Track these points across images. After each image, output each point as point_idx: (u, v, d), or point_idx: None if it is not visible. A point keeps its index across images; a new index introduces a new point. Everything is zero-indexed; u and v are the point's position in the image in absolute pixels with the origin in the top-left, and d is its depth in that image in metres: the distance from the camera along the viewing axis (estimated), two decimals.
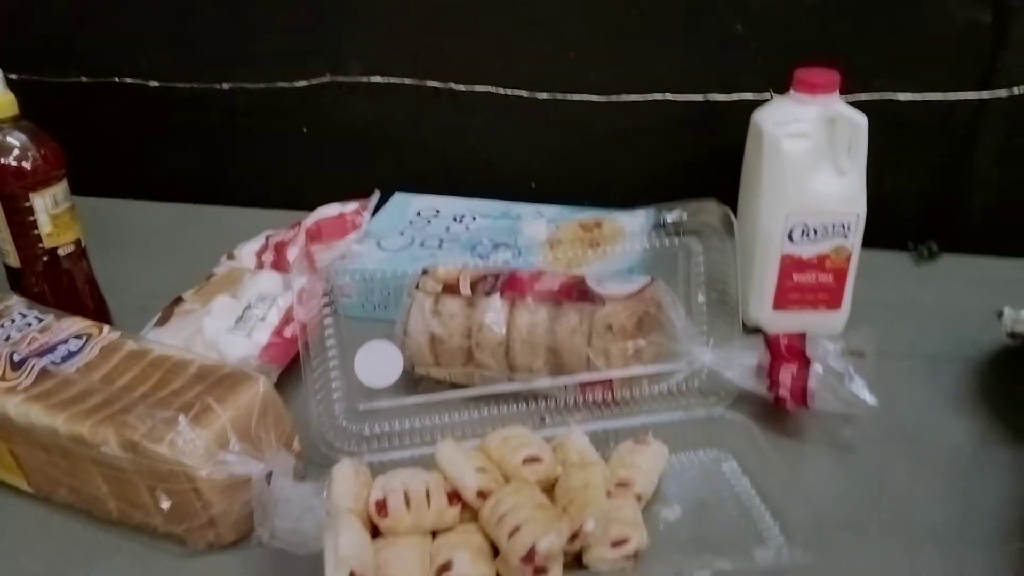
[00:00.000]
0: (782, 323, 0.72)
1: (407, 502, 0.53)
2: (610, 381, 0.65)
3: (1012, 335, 0.67)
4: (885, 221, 0.88)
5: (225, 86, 0.95)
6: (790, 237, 0.70)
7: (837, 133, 0.69)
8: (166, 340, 0.65)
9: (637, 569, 0.52)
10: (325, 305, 0.64)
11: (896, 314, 0.77)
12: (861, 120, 0.68)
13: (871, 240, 0.88)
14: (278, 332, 0.69)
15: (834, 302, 0.73)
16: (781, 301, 0.73)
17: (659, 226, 0.67)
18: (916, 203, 0.87)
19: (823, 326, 0.73)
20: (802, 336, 0.64)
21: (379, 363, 0.62)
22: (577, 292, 0.66)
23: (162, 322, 0.71)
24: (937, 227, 0.87)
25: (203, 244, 0.84)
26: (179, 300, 0.74)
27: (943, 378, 0.69)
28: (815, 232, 0.70)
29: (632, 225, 0.77)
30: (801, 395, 0.62)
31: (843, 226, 0.70)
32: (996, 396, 0.67)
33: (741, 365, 0.65)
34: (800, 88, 0.69)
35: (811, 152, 0.68)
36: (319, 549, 0.49)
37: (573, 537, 0.52)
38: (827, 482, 0.61)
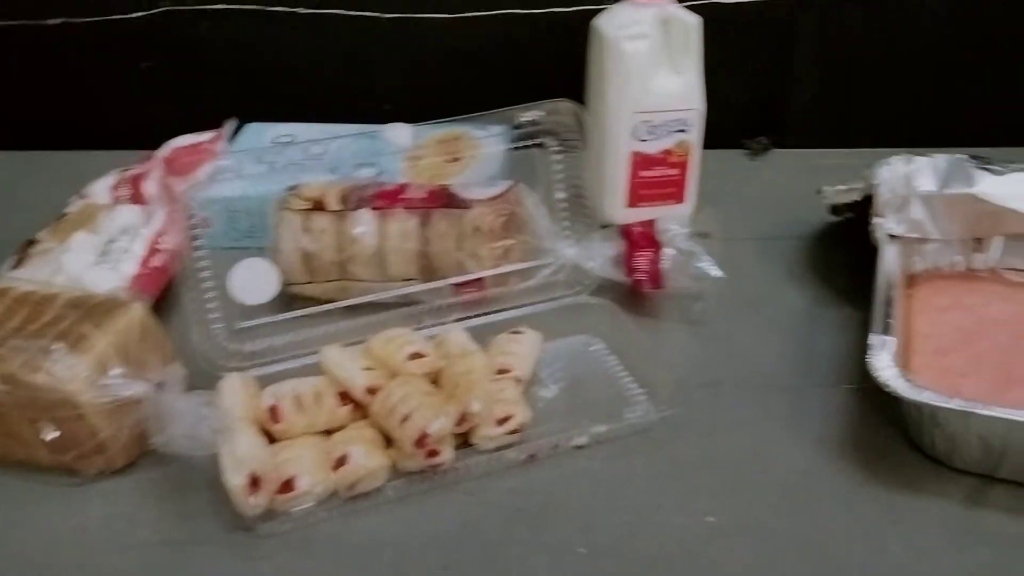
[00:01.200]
0: (636, 219, 0.77)
1: (299, 406, 0.55)
2: (482, 280, 0.68)
3: (834, 209, 0.74)
4: (720, 121, 0.95)
5: (54, 21, 0.90)
6: (636, 135, 0.75)
7: (672, 34, 0.73)
8: None
9: (522, 442, 0.57)
10: (191, 232, 0.64)
11: (735, 203, 0.84)
12: (693, 20, 0.73)
13: (709, 140, 0.95)
14: (145, 263, 0.68)
15: (680, 195, 0.79)
16: (634, 198, 0.78)
17: (515, 129, 0.70)
18: (747, 102, 0.94)
19: (673, 219, 0.79)
20: (653, 223, 0.69)
21: (254, 280, 0.63)
22: (444, 199, 0.69)
23: (18, 264, 0.69)
24: (767, 123, 0.94)
25: (52, 188, 0.81)
26: (32, 242, 0.71)
27: (779, 254, 0.77)
28: (658, 129, 0.75)
29: (489, 135, 0.80)
30: (656, 277, 0.68)
31: (683, 121, 0.75)
32: (823, 265, 0.75)
33: (601, 256, 0.69)
34: None
35: (650, 53, 0.73)
36: (216, 451, 0.51)
37: (461, 420, 0.55)
38: (684, 351, 0.67)
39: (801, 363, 0.64)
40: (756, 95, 0.94)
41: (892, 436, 0.57)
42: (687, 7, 0.83)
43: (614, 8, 0.75)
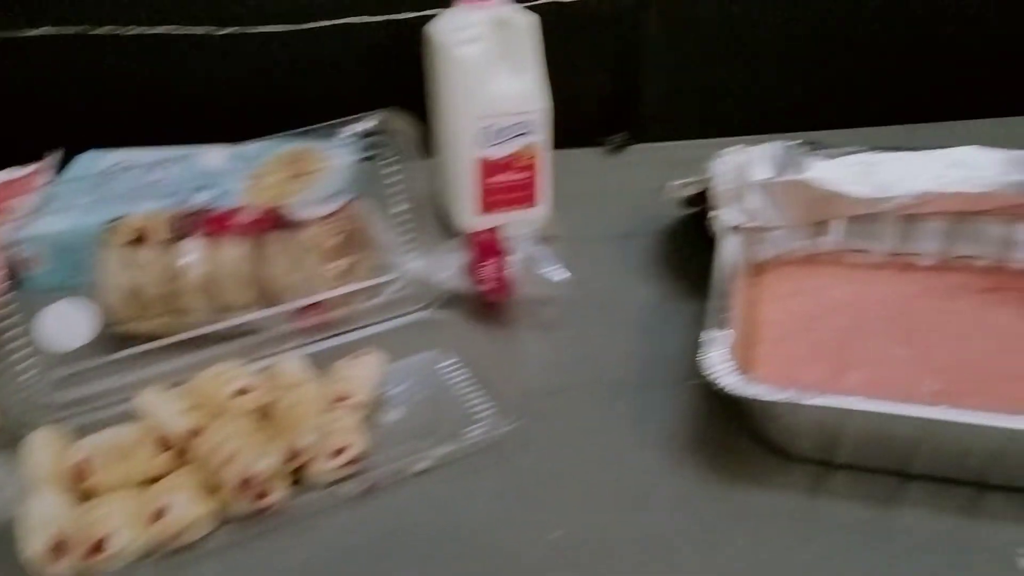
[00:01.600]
0: (489, 226, 0.75)
1: (114, 457, 0.51)
2: (323, 303, 0.65)
3: (686, 202, 0.74)
4: (575, 120, 0.94)
5: None
6: (480, 141, 0.73)
7: (508, 35, 0.72)
8: None
9: (361, 472, 0.54)
10: (5, 278, 0.60)
11: (590, 203, 0.83)
12: (528, 20, 0.72)
13: (565, 140, 0.93)
14: None
15: (532, 199, 0.78)
16: (485, 205, 0.76)
17: (355, 143, 0.68)
18: (603, 98, 0.94)
19: (528, 223, 0.78)
20: (495, 231, 0.68)
21: (68, 323, 0.59)
22: (277, 220, 0.66)
23: None
24: (624, 119, 0.94)
25: None
26: None
27: (632, 253, 0.76)
28: (503, 133, 0.74)
29: (334, 150, 0.77)
30: (503, 285, 0.66)
31: (528, 124, 0.74)
32: (676, 260, 0.74)
33: (449, 267, 0.67)
34: None
35: (486, 56, 0.71)
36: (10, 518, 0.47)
37: (292, 456, 0.52)
38: (535, 359, 0.65)
39: (650, 362, 0.63)
40: (611, 91, 0.93)
41: (736, 430, 0.56)
42: (527, 6, 0.82)
43: (445, 13, 0.73)
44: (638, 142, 0.93)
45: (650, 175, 0.86)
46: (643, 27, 0.90)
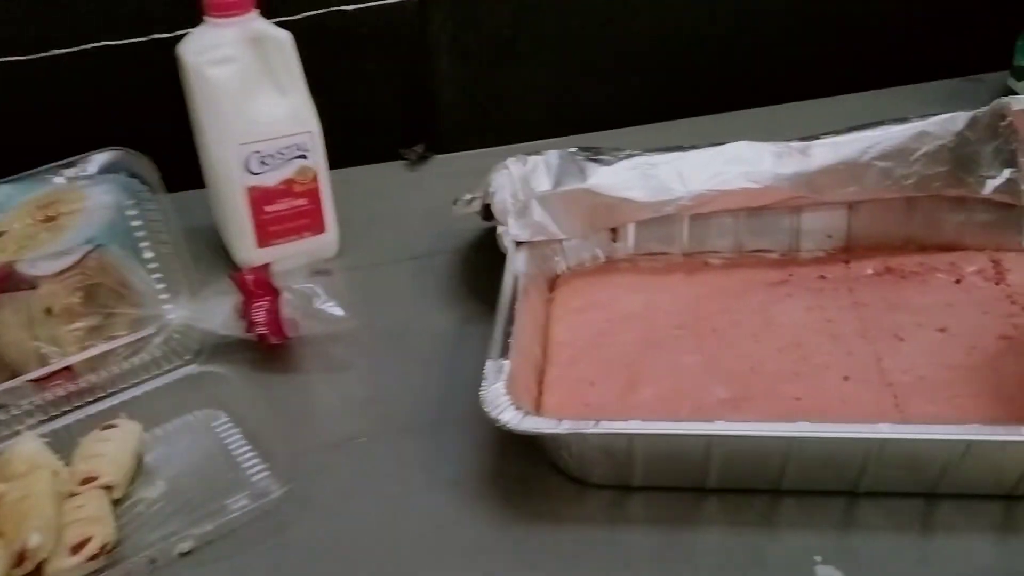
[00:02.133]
0: (272, 258, 0.69)
1: None
2: (69, 369, 0.57)
3: (484, 215, 0.70)
4: (373, 134, 0.89)
5: None
6: (248, 168, 0.67)
7: (267, 53, 0.66)
8: None
9: (110, 565, 0.47)
10: None
11: (389, 222, 0.79)
12: (284, 36, 0.66)
13: (365, 155, 0.88)
14: None
15: (318, 225, 0.72)
16: (264, 237, 0.70)
17: (106, 182, 0.60)
18: (398, 112, 0.89)
19: (317, 251, 0.72)
20: (266, 268, 0.62)
21: None
22: (7, 280, 0.57)
23: None
24: (421, 129, 0.90)
25: None
26: None
27: (432, 273, 0.71)
28: (272, 158, 0.68)
29: (88, 190, 0.69)
30: (279, 328, 0.61)
31: (299, 147, 0.68)
32: (476, 278, 0.70)
33: (218, 313, 0.61)
34: (213, 12, 0.64)
35: (242, 76, 0.65)
36: None
37: (21, 559, 0.45)
38: (320, 407, 0.60)
39: (446, 396, 0.59)
40: (406, 101, 0.89)
41: (535, 461, 0.53)
42: (305, 19, 0.77)
43: (195, 31, 0.66)
44: (438, 153, 0.89)
45: (450, 188, 0.82)
46: (430, 32, 0.85)
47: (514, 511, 0.51)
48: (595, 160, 0.63)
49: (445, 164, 0.89)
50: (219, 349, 0.61)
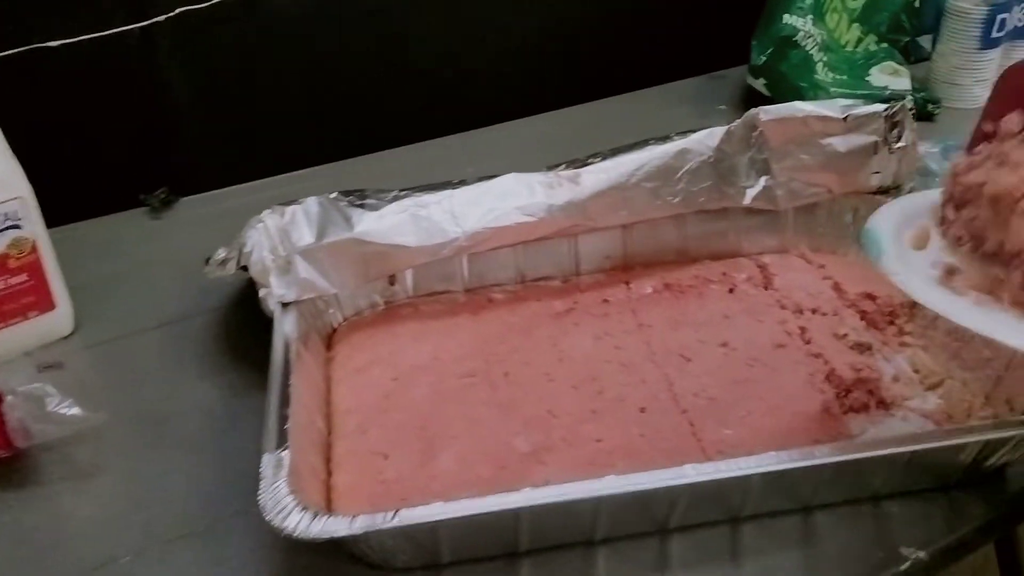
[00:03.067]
0: None
1: None
2: None
3: (243, 267, 0.62)
4: (107, 182, 0.79)
5: None
6: None
7: None
8: None
9: None
10: None
11: (134, 283, 0.70)
12: None
13: (99, 207, 0.78)
14: None
15: (45, 303, 0.62)
16: None
17: None
18: (134, 154, 0.79)
19: (48, 332, 0.62)
20: None
21: None
22: None
23: None
24: (162, 172, 0.80)
25: None
26: None
27: (189, 340, 0.64)
28: None
29: None
30: (6, 439, 0.51)
31: (8, 216, 0.58)
32: (242, 338, 0.63)
33: None
34: None
35: None
36: None
37: None
38: (73, 525, 0.51)
39: (220, 490, 0.52)
40: (142, 141, 0.79)
41: (331, 554, 0.47)
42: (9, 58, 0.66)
43: None
44: (183, 195, 0.80)
45: (200, 236, 0.74)
46: (158, 64, 0.76)
47: None
48: (360, 205, 0.58)
49: (192, 207, 0.80)
50: None
